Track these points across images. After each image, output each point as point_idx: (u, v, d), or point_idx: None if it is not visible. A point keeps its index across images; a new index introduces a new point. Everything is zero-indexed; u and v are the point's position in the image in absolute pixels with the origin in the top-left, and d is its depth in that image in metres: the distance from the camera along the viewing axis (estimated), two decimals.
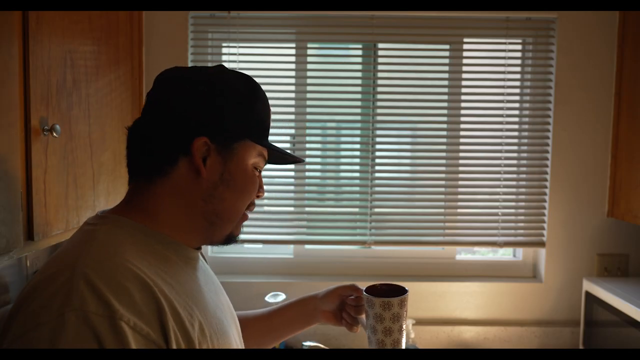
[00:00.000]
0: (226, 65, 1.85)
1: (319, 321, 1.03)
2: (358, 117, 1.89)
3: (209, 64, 1.86)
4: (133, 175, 0.77)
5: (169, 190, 0.74)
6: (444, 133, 1.88)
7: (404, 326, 0.94)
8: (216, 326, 0.74)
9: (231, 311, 0.87)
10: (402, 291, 0.94)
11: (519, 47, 1.89)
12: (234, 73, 0.79)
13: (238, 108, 0.76)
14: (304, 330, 1.06)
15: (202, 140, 0.73)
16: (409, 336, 1.77)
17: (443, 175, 1.88)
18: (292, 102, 1.85)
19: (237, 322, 0.88)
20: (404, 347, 0.95)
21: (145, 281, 0.64)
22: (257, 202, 0.83)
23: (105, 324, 0.58)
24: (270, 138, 0.83)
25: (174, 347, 0.63)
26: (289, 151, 0.87)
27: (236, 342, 0.83)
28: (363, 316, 0.97)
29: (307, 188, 1.89)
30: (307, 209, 1.90)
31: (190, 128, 0.73)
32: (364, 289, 0.96)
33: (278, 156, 0.84)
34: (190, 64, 1.81)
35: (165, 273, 0.70)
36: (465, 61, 1.88)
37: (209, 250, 1.94)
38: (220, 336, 0.75)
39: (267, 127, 0.82)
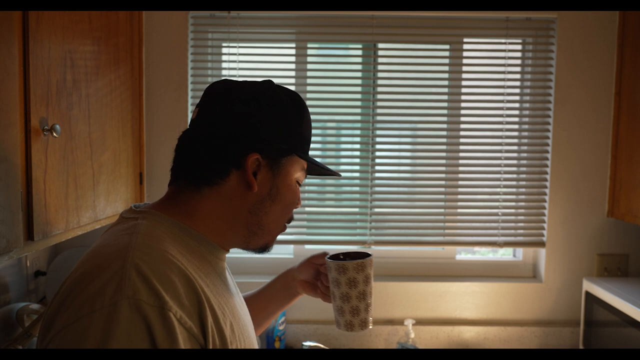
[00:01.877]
0: (226, 65, 1.87)
1: (299, 293, 1.04)
2: (358, 117, 1.89)
3: (209, 64, 1.86)
4: (178, 179, 0.79)
5: (215, 199, 0.77)
6: (444, 133, 1.88)
7: (366, 294, 0.91)
8: (242, 327, 0.77)
9: (247, 312, 0.89)
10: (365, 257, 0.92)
11: (519, 47, 1.89)
12: (281, 89, 0.82)
13: (287, 125, 0.79)
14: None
15: (254, 156, 0.76)
16: (409, 336, 1.77)
17: (443, 175, 1.88)
18: None
19: (252, 322, 0.90)
20: (368, 317, 0.91)
21: (188, 276, 0.67)
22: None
23: (156, 313, 0.60)
24: None
25: (210, 343, 0.66)
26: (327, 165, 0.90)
27: (256, 341, 0.86)
28: None
29: (307, 188, 1.89)
30: (307, 209, 1.90)
31: (243, 144, 0.76)
32: (328, 255, 0.95)
33: (316, 168, 0.88)
34: (190, 64, 1.81)
35: (200, 270, 0.72)
36: (465, 61, 1.88)
37: None
38: (246, 337, 0.77)
39: (310, 142, 0.85)
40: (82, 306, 0.61)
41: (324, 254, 0.99)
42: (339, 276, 0.90)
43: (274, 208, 0.80)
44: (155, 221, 0.73)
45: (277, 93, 0.81)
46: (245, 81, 0.82)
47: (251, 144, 0.76)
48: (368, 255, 0.93)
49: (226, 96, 0.79)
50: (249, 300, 1.04)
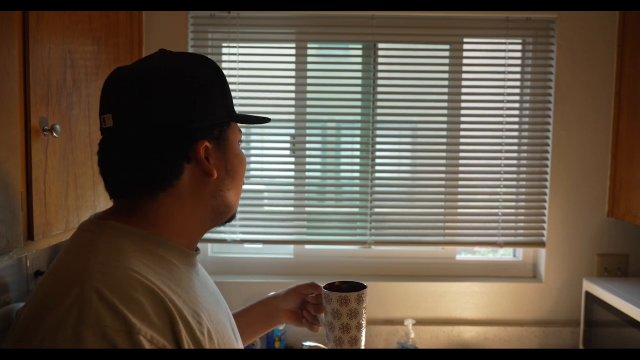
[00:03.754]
0: (226, 65, 1.86)
1: (281, 321, 1.02)
2: (358, 117, 1.89)
3: None
4: (125, 193, 0.72)
5: (174, 201, 0.72)
6: (444, 133, 1.88)
7: (362, 323, 0.92)
8: (221, 330, 0.74)
9: (227, 310, 0.86)
10: (362, 288, 0.94)
11: (519, 47, 1.89)
12: (184, 57, 0.76)
13: (217, 94, 0.74)
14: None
15: (203, 145, 0.71)
16: (409, 336, 1.77)
17: (443, 175, 1.88)
18: (292, 102, 1.85)
19: (233, 320, 0.87)
20: (362, 345, 0.93)
21: (156, 292, 0.63)
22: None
23: (124, 339, 0.57)
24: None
25: None
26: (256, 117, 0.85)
27: (237, 342, 0.83)
28: (323, 315, 0.96)
29: (307, 188, 1.89)
30: (307, 209, 1.90)
31: (186, 136, 0.70)
32: (323, 285, 0.96)
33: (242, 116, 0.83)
34: None
35: (169, 280, 0.68)
36: (465, 61, 1.88)
37: (209, 250, 1.94)
38: (226, 340, 0.74)
39: (232, 95, 0.80)
40: (44, 340, 0.56)
41: (312, 284, 0.99)
42: (340, 307, 0.90)
43: (233, 182, 0.77)
44: (114, 235, 0.68)
45: (194, 65, 0.73)
46: (144, 63, 0.73)
47: (193, 133, 0.70)
48: (363, 285, 0.94)
49: (147, 90, 0.69)
50: None
